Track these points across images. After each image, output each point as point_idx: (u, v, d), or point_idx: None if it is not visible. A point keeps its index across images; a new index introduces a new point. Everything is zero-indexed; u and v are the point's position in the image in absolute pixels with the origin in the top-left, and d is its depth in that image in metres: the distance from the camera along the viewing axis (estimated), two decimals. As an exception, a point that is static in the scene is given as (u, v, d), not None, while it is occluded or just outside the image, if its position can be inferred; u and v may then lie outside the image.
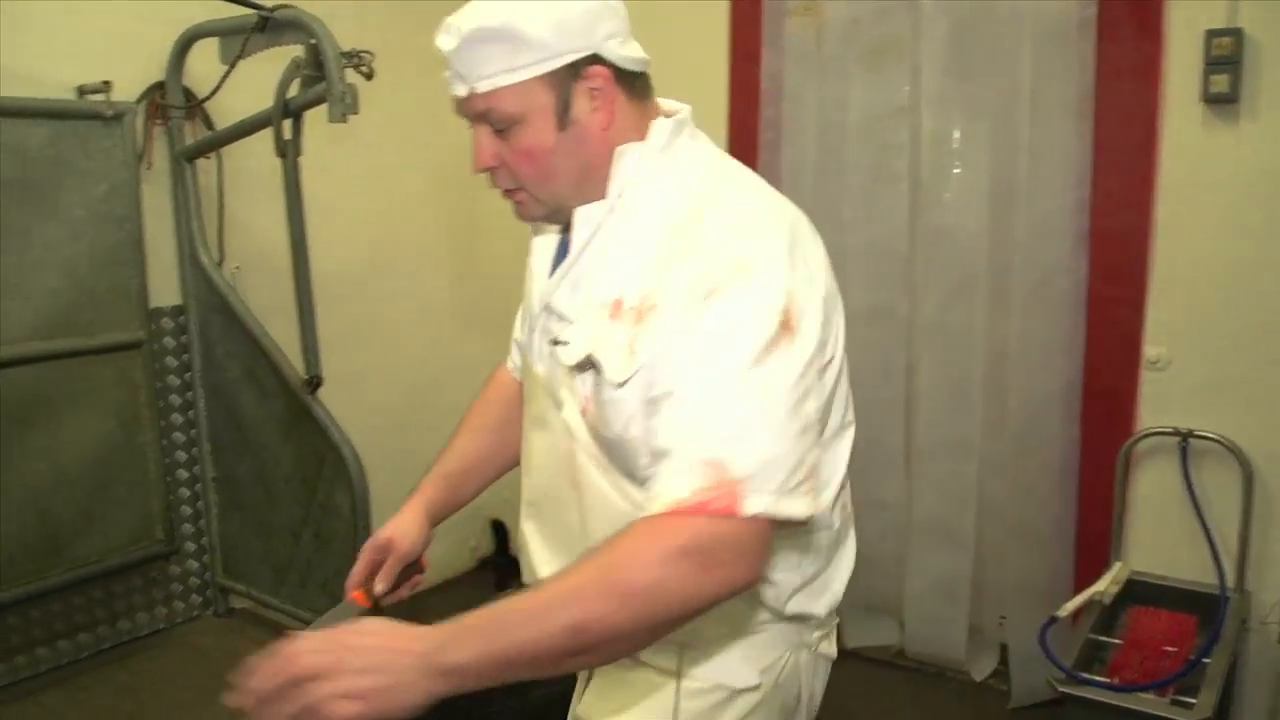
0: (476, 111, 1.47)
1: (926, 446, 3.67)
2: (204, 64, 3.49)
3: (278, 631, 3.87)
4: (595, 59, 1.45)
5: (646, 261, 1.44)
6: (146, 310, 3.55)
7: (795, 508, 1.32)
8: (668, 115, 1.56)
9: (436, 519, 1.90)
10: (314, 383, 3.38)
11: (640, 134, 1.52)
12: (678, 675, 1.59)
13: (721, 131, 3.89)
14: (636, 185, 1.49)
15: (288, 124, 3.14)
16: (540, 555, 1.69)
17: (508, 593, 1.33)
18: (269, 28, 3.14)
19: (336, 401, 3.48)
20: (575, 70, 1.44)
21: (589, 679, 1.73)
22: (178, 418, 3.84)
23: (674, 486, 1.30)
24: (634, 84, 1.51)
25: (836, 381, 1.56)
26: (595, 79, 1.46)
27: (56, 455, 3.47)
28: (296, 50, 3.08)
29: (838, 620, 1.76)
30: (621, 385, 1.44)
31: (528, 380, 1.72)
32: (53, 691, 3.56)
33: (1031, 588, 3.51)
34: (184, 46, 3.49)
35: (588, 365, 1.50)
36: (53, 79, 3.30)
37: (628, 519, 1.35)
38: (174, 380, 3.81)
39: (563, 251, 1.61)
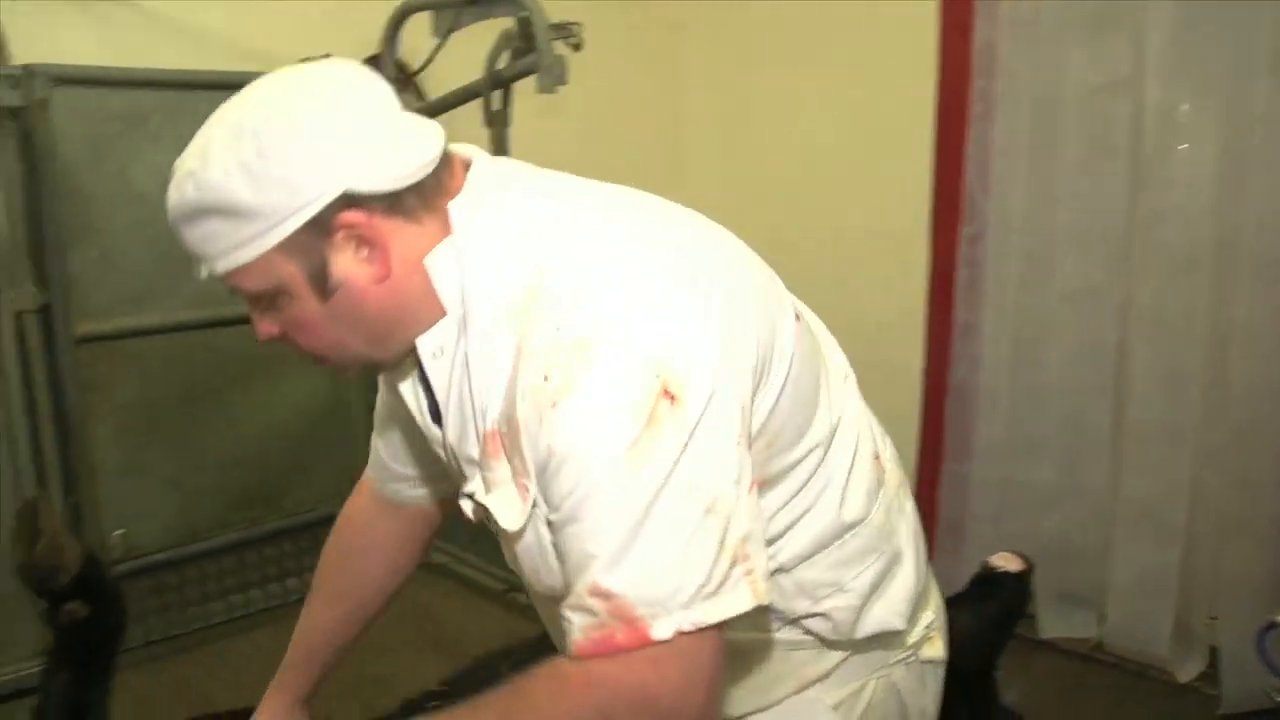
0: (229, 288, 1.21)
1: (1136, 431, 3.50)
2: (417, 37, 3.60)
3: (471, 586, 4.00)
4: (346, 200, 1.14)
5: (503, 381, 1.17)
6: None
7: (729, 604, 1.08)
8: (450, 190, 1.23)
9: (313, 696, 1.83)
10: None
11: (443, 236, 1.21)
12: None
13: (928, 108, 3.78)
14: (475, 279, 1.19)
15: (497, 95, 3.21)
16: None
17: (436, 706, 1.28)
18: (481, 1, 3.21)
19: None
20: (320, 226, 1.15)
21: None
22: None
23: (572, 630, 1.10)
24: (413, 198, 1.19)
25: (792, 397, 1.26)
26: (351, 227, 1.16)
27: (272, 410, 3.68)
28: (507, 23, 3.14)
29: (935, 618, 1.53)
30: (521, 533, 1.21)
31: None
32: (265, 630, 3.77)
33: (1246, 586, 3.32)
34: (399, 20, 3.60)
35: (484, 518, 1.27)
36: (277, 53, 3.45)
37: None
38: (382, 342, 3.96)
39: (426, 382, 1.31)
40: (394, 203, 1.17)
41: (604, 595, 1.07)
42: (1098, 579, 3.70)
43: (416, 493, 1.68)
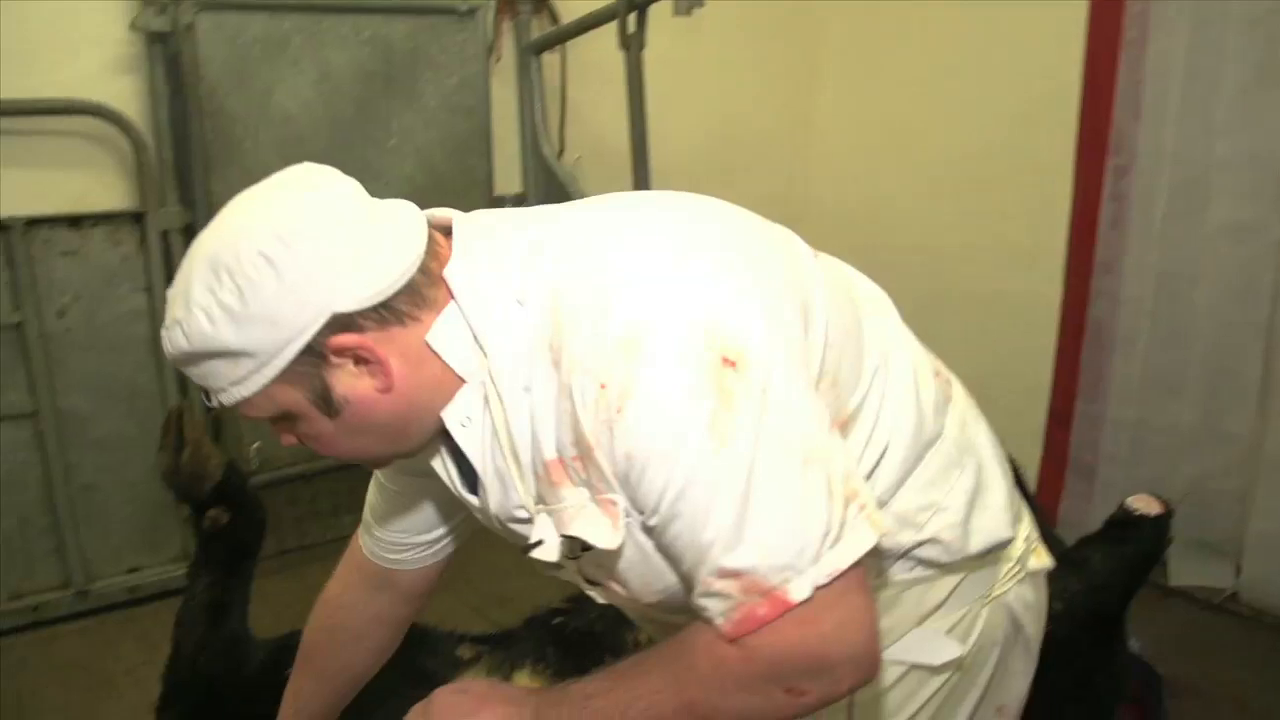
0: (241, 413, 1.21)
1: (1289, 378, 3.35)
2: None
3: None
4: (335, 324, 1.13)
5: (553, 406, 1.14)
6: (491, 197, 3.73)
7: (855, 545, 1.07)
8: (441, 261, 1.20)
9: None
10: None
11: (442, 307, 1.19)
12: None
13: (1078, 31, 3.61)
14: (488, 325, 1.17)
15: (632, 18, 3.17)
16: None
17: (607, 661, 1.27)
18: (618, -80, 3.17)
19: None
20: (314, 353, 1.14)
21: None
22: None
23: (711, 616, 1.09)
24: (404, 300, 1.17)
25: (839, 331, 1.24)
26: (344, 350, 1.15)
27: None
28: (643, -58, 3.09)
29: (1031, 529, 1.49)
30: (622, 549, 1.17)
31: None
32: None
33: (1397, 544, 3.18)
34: (532, -58, 3.58)
35: (579, 547, 1.21)
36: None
37: None
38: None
39: (457, 451, 1.29)
40: (385, 312, 1.16)
41: (732, 575, 1.06)
42: (1235, 528, 3.57)
43: (421, 556, 1.66)
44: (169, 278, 3.30)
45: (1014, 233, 4.03)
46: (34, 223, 3.23)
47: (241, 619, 2.06)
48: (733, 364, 1.05)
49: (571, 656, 2.11)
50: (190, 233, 3.33)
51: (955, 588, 1.38)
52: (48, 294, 3.25)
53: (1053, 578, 1.55)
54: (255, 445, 3.55)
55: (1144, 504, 2.35)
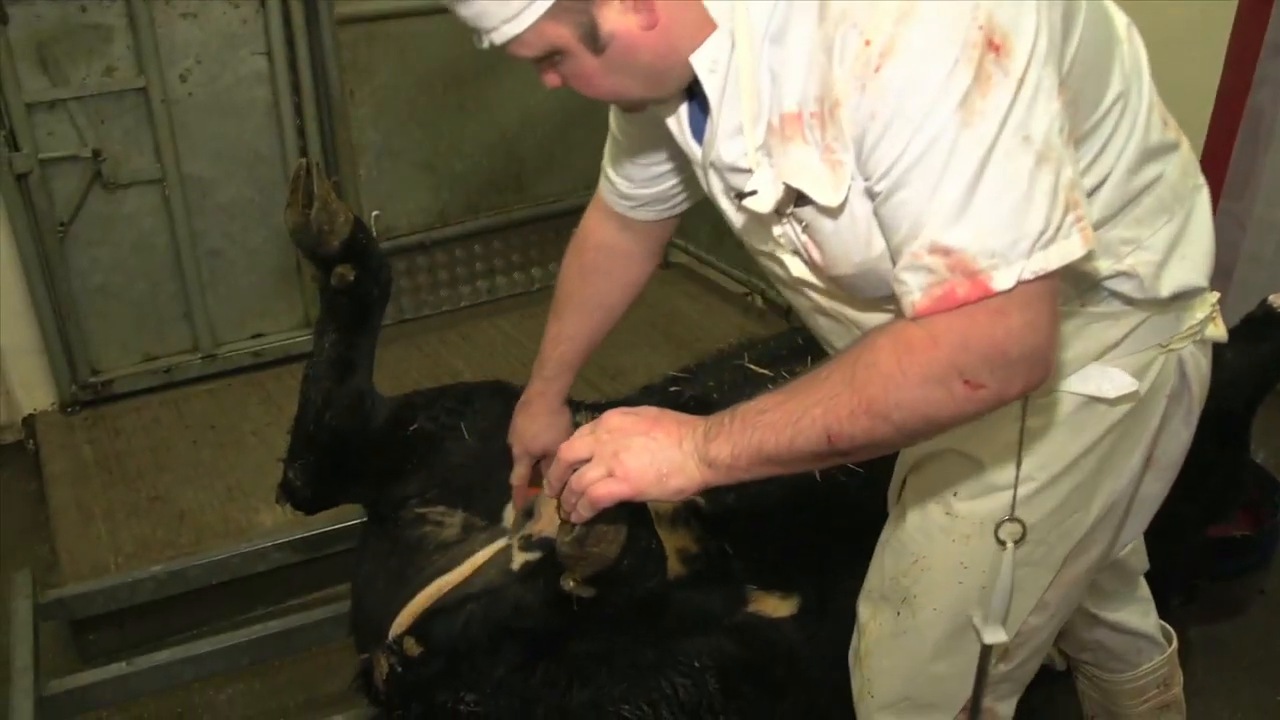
0: (511, 55, 1.26)
1: None
2: None
3: (712, 288, 4.02)
4: None
5: (805, 59, 1.17)
6: (613, -41, 3.59)
7: (1065, 250, 1.10)
8: None
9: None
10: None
11: None
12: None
13: None
14: None
15: None
16: None
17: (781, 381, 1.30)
18: None
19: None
20: None
21: None
22: (635, 70, 3.91)
23: (909, 290, 1.13)
24: None
25: (1090, 49, 1.23)
26: None
27: (524, 97, 3.68)
28: None
29: (1218, 295, 1.52)
30: (841, 208, 1.22)
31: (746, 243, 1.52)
32: (509, 316, 3.92)
33: None
34: None
35: (790, 203, 1.27)
36: None
37: None
38: (634, 33, 3.86)
39: (696, 100, 1.36)
40: None
41: (944, 251, 1.09)
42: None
43: (652, 211, 1.78)
44: (288, 42, 3.30)
45: (1174, 9, 3.76)
46: (153, -18, 3.18)
47: (366, 376, 2.08)
48: (996, 49, 1.06)
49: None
50: (308, -2, 3.27)
51: (1136, 327, 1.40)
52: (169, 58, 3.23)
53: None
54: (375, 213, 3.57)
55: None
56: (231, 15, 3.27)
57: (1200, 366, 1.52)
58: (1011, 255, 1.08)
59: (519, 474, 2.01)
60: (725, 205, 1.41)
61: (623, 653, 1.73)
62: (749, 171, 1.29)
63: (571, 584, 1.55)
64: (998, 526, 1.45)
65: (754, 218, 1.36)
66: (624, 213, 1.80)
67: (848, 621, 1.83)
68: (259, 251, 3.55)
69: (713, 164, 1.35)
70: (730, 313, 3.90)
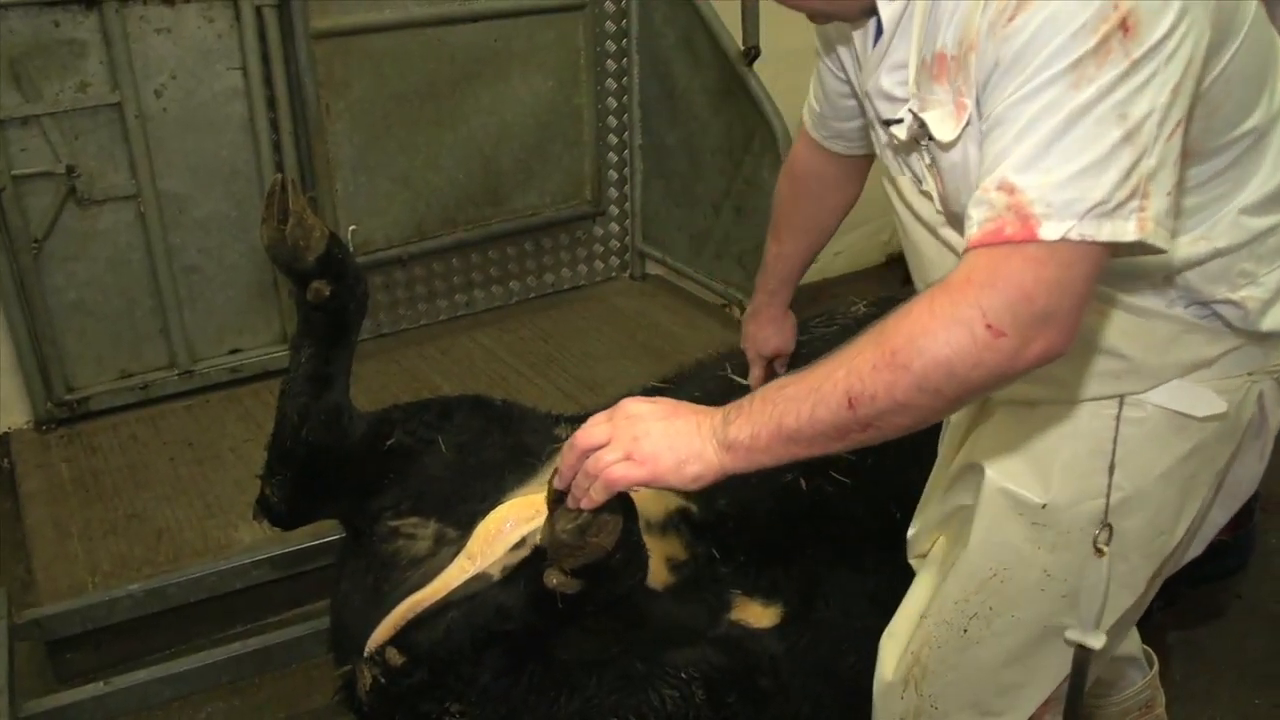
0: None
1: None
2: None
3: (689, 300, 4.04)
4: None
5: (960, 4, 1.26)
6: (589, -27, 3.61)
7: (1117, 229, 1.14)
8: None
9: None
10: (751, 54, 3.33)
11: None
12: (1119, 401, 1.46)
13: None
14: None
15: None
16: None
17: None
18: None
19: (771, 77, 3.43)
20: None
21: (977, 415, 1.64)
22: (611, 83, 3.93)
23: (970, 224, 1.19)
24: None
25: (1239, 70, 1.29)
26: None
27: (501, 111, 3.68)
28: None
29: None
30: (952, 144, 1.32)
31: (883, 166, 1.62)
32: (487, 330, 3.92)
33: None
34: None
35: (920, 135, 1.38)
36: None
37: None
38: (611, 45, 3.88)
39: (877, 30, 1.45)
40: None
41: (1008, 189, 1.15)
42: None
43: (852, 144, 1.91)
44: (264, 57, 3.29)
45: None
46: (127, -2, 3.17)
47: (343, 391, 2.07)
48: (1126, 30, 1.12)
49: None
50: (285, 7, 3.26)
51: (1229, 352, 1.46)
52: (144, 73, 3.21)
53: None
54: (352, 228, 3.56)
55: None
56: (206, 30, 3.26)
57: (1276, 406, 1.55)
58: (1065, 212, 1.13)
59: (755, 377, 2.27)
60: (877, 131, 1.52)
61: (612, 663, 1.73)
62: (902, 101, 1.40)
63: (556, 579, 1.53)
64: (1095, 535, 1.48)
65: (894, 146, 1.48)
66: (820, 140, 1.94)
67: (830, 632, 1.84)
68: (236, 267, 3.53)
69: (869, 92, 1.47)
70: (709, 324, 3.91)
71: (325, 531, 2.51)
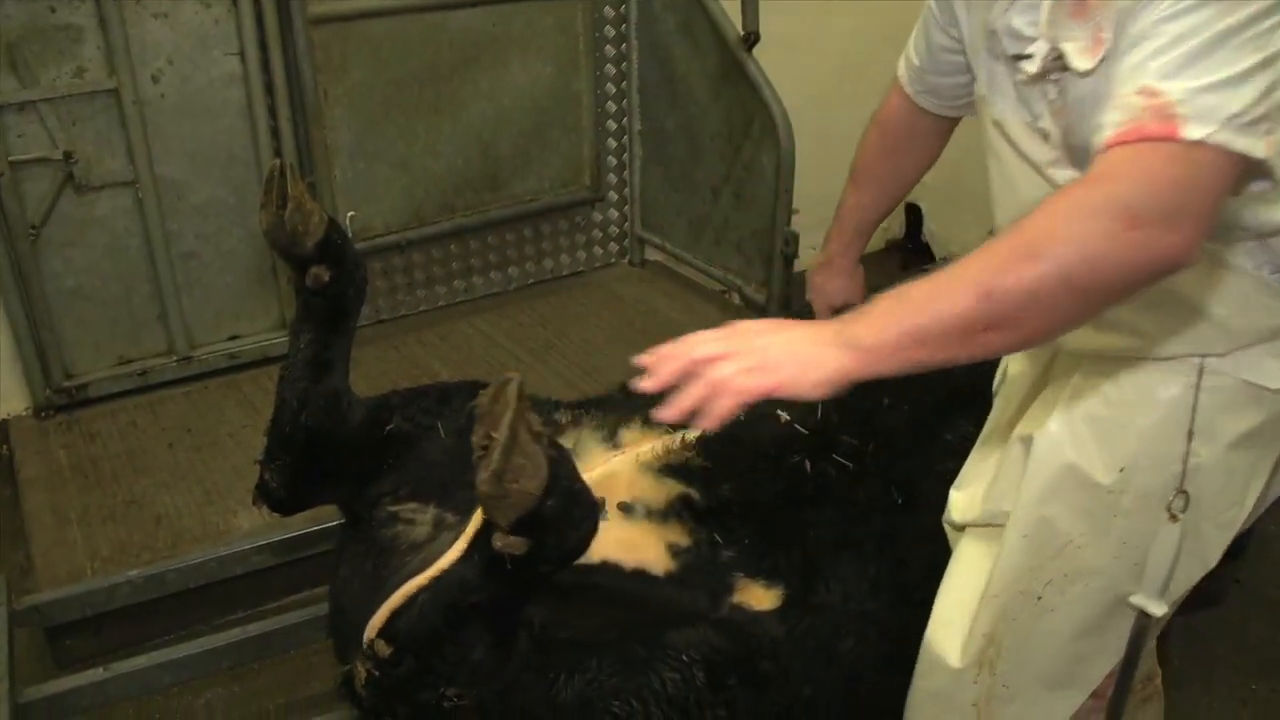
0: None
1: None
2: None
3: (688, 286, 4.04)
4: None
5: None
6: (588, -42, 3.60)
7: (1250, 144, 1.18)
8: None
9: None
10: (751, 39, 3.32)
11: None
12: (1199, 369, 1.49)
13: None
14: None
15: None
16: None
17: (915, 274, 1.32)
18: None
19: (769, 62, 3.42)
20: None
21: (1038, 382, 1.66)
22: (610, 68, 3.92)
23: (1103, 130, 1.22)
24: None
25: None
26: None
27: (500, 96, 3.67)
28: None
29: None
30: (1090, 72, 1.35)
31: (981, 115, 1.65)
32: (486, 316, 3.91)
33: None
34: None
35: (1052, 68, 1.41)
36: None
37: None
38: (610, 30, 3.86)
39: None
40: None
41: (1149, 93, 1.18)
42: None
43: (943, 101, 1.95)
44: (261, 42, 3.28)
45: None
46: (123, -18, 3.15)
47: (343, 376, 2.06)
48: None
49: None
50: (281, -4, 3.25)
51: None
52: (141, 59, 3.20)
53: None
54: (350, 214, 3.55)
55: None
56: (204, 15, 3.25)
57: None
58: (1208, 117, 1.16)
59: None
60: (996, 70, 1.55)
61: (612, 645, 1.72)
62: (1029, 39, 1.44)
63: (500, 541, 1.49)
64: (1170, 501, 1.50)
65: (1016, 84, 1.50)
66: (912, 95, 1.98)
67: (830, 615, 1.84)
68: (234, 253, 3.53)
69: (996, 29, 1.50)
70: (708, 310, 3.90)
71: (324, 517, 2.51)
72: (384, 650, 1.67)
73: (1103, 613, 1.59)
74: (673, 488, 1.97)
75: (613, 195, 4.15)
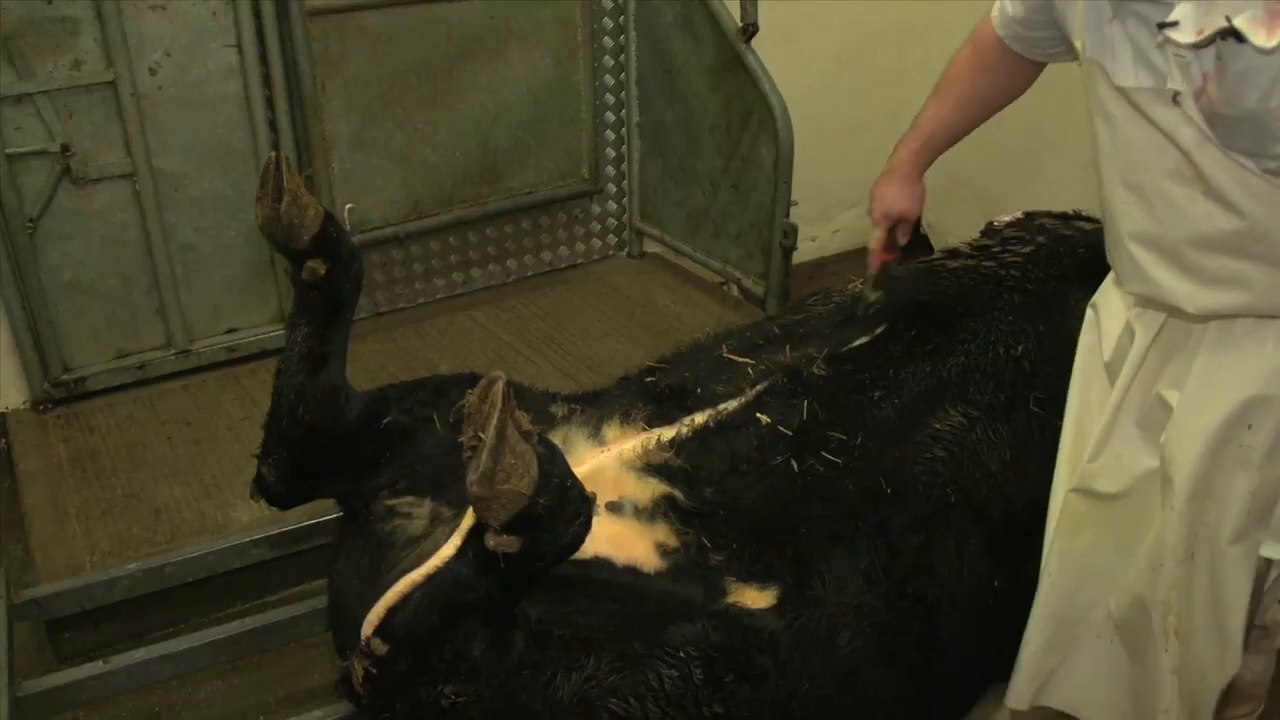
0: None
1: None
2: None
3: (687, 278, 4.03)
4: None
5: None
6: None
7: None
8: None
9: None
10: (749, 31, 3.32)
11: None
12: None
13: None
14: None
15: None
16: (1148, 258, 1.68)
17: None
18: None
19: (768, 54, 3.41)
20: None
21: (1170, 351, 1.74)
22: (609, 60, 3.91)
23: None
24: None
25: None
26: None
27: (499, 89, 3.67)
28: None
29: None
30: (1272, 51, 1.35)
31: (1089, 77, 1.67)
32: (484, 309, 3.91)
33: None
34: None
35: (1214, 39, 1.40)
36: None
37: (1267, 195, 1.45)
38: (608, 22, 3.86)
39: None
40: None
41: None
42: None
43: (1031, 49, 2.00)
44: (259, 34, 3.27)
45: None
46: (120, -27, 3.14)
47: (339, 370, 2.06)
48: None
49: (662, 411, 2.11)
50: (278, -11, 3.24)
51: None
52: (138, 51, 3.20)
53: None
54: (348, 206, 3.55)
55: None
56: (201, 8, 3.24)
57: None
58: None
59: (877, 238, 2.32)
60: (1101, 29, 1.57)
61: (610, 643, 1.72)
62: (1169, 5, 1.44)
63: (494, 540, 1.49)
64: None
65: (1129, 45, 1.52)
66: (1004, 38, 2.01)
67: (826, 609, 1.83)
68: (232, 246, 3.52)
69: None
70: (706, 302, 3.90)
71: (322, 511, 2.51)
72: (380, 648, 1.67)
73: (1243, 560, 1.69)
74: (656, 487, 1.98)
75: (611, 187, 4.14)
